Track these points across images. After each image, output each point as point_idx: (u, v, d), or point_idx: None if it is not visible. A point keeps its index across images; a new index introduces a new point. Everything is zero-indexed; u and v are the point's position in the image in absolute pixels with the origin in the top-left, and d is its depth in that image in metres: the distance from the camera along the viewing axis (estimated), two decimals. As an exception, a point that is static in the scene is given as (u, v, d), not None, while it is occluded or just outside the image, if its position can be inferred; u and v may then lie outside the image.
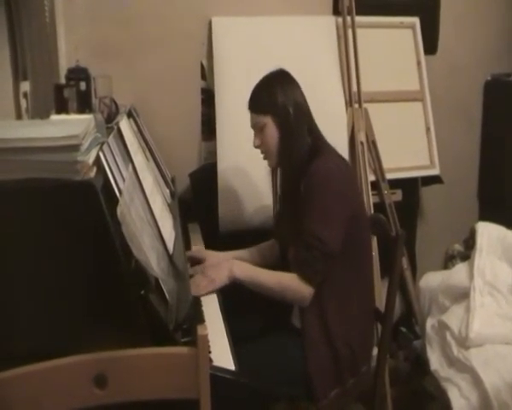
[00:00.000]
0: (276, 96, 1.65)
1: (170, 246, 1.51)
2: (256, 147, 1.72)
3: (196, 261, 1.83)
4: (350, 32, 2.49)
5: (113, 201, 1.12)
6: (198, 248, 1.99)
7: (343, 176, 1.62)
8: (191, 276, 1.67)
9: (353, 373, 1.65)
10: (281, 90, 1.66)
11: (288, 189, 1.72)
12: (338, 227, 1.56)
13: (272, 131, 1.67)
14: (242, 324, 1.62)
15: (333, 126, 2.40)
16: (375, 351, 1.77)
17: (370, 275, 1.77)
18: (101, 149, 1.20)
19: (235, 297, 1.61)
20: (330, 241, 1.55)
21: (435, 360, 2.15)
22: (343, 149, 2.41)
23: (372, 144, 2.51)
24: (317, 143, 1.68)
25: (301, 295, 1.57)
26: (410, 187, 2.70)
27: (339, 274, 1.60)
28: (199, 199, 2.42)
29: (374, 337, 1.82)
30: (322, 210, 1.56)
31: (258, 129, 1.70)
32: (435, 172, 2.69)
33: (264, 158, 1.74)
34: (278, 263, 1.81)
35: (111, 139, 1.33)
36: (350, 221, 1.59)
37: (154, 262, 1.23)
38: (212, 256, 1.84)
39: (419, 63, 2.71)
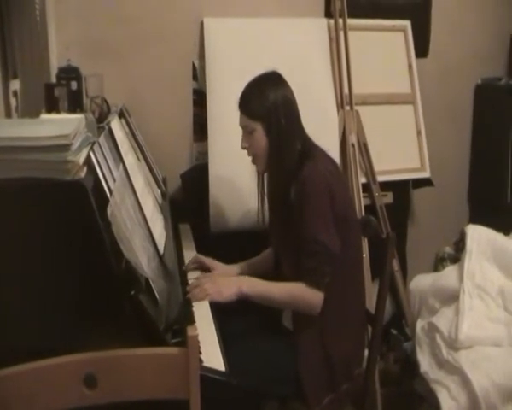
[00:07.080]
0: (267, 104, 1.62)
1: (160, 246, 1.51)
2: (243, 148, 1.70)
3: (204, 268, 1.83)
4: (342, 34, 2.49)
5: (103, 201, 1.12)
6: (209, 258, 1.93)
7: (333, 179, 1.62)
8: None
9: (347, 377, 1.66)
10: (273, 95, 1.63)
11: (277, 195, 1.70)
12: (334, 229, 1.57)
13: (261, 138, 1.64)
14: (233, 324, 1.61)
15: (324, 128, 2.42)
16: (365, 353, 1.77)
17: (361, 277, 1.78)
18: (91, 148, 1.19)
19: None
20: (331, 243, 1.55)
21: (425, 362, 2.16)
22: (334, 152, 2.41)
23: (363, 147, 2.52)
24: (307, 148, 1.67)
25: (314, 304, 1.57)
26: (401, 189, 2.71)
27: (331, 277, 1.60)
28: (190, 200, 2.42)
29: (365, 339, 1.82)
30: (318, 215, 1.56)
31: (247, 132, 1.68)
32: (426, 174, 2.71)
33: (253, 163, 1.72)
34: (272, 270, 1.81)
35: (102, 139, 1.32)
36: (342, 223, 1.59)
37: (144, 263, 1.22)
38: (221, 268, 1.83)
39: (410, 66, 2.72)
